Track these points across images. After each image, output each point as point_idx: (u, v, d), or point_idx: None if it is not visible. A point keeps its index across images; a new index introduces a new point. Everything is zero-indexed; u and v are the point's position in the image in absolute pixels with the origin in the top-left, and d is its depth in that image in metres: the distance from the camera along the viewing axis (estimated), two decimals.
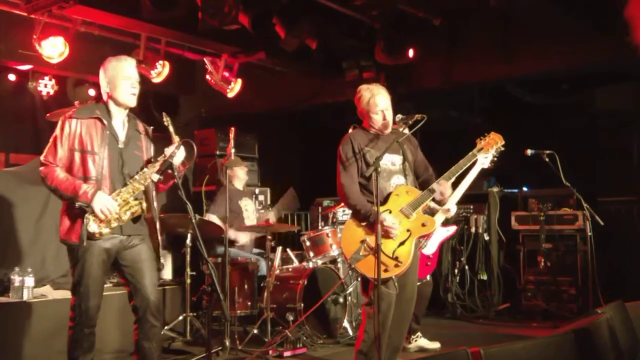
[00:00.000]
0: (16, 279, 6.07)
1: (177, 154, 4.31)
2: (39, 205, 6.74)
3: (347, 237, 4.72)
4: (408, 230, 4.62)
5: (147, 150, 4.50)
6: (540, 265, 8.36)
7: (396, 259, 4.54)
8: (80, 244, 4.15)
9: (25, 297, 6.02)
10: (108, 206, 4.14)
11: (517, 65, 8.02)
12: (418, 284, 6.18)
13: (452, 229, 6.76)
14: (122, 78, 4.35)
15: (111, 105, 4.40)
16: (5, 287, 6.19)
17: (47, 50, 6.92)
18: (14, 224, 6.70)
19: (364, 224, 4.64)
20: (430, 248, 6.40)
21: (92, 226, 4.14)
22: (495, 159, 5.12)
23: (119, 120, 4.41)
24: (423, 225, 4.66)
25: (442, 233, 6.55)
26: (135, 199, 4.29)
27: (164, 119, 4.35)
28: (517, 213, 8.68)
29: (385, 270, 4.48)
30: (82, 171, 4.22)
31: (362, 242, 4.60)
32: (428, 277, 6.55)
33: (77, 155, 4.24)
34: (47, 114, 6.84)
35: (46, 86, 8.20)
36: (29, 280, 6.08)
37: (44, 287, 6.45)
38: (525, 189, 8.92)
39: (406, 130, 4.82)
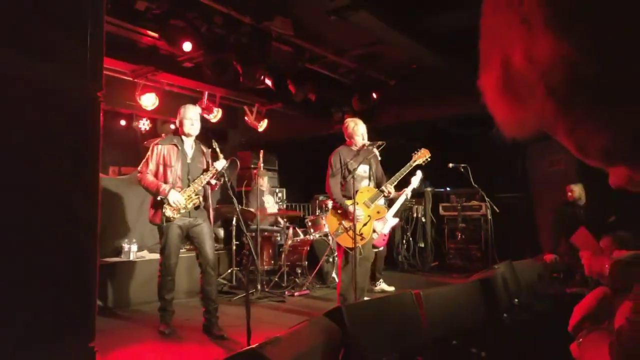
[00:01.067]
0: (125, 246, 6.09)
1: (226, 166, 4.34)
2: (139, 199, 6.72)
3: (330, 220, 4.72)
4: (369, 216, 4.59)
5: (207, 163, 4.50)
6: (458, 238, 8.37)
7: (361, 235, 4.53)
8: (161, 224, 4.19)
9: (131, 258, 6.04)
10: (178, 199, 4.17)
11: (443, 109, 8.02)
12: (380, 249, 6.23)
13: (397, 220, 6.71)
14: (185, 119, 4.38)
15: (182, 135, 4.42)
16: (118, 251, 6.20)
17: (144, 101, 6.93)
18: (124, 211, 6.69)
19: (339, 212, 4.63)
20: (386, 229, 6.36)
21: (168, 212, 4.16)
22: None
23: (189, 145, 4.42)
24: (378, 212, 4.65)
25: (393, 222, 6.52)
26: (196, 195, 4.30)
27: (214, 144, 4.39)
28: (443, 204, 8.69)
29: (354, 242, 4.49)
30: (164, 177, 4.27)
31: (340, 224, 4.60)
32: (384, 247, 6.55)
33: (160, 168, 4.29)
34: (144, 142, 6.84)
35: (143, 124, 8.19)
36: (134, 247, 6.12)
37: (143, 251, 6.44)
38: (448, 188, 8.93)
39: (375, 150, 4.78)
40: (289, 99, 7.64)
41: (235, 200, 4.01)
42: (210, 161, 4.54)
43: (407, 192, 6.51)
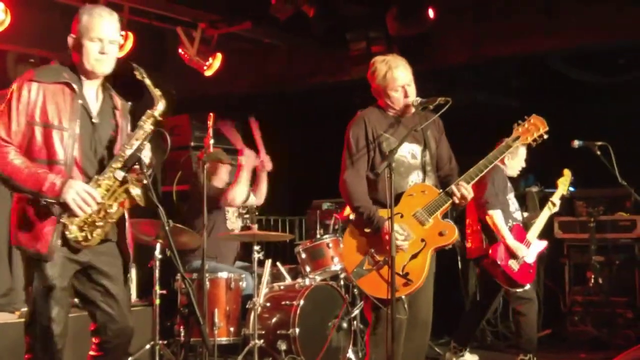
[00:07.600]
0: None
1: (144, 146, 4.10)
2: None
3: (348, 246, 4.78)
4: (423, 240, 4.63)
5: (123, 131, 4.26)
6: (590, 283, 8.38)
7: (406, 275, 4.57)
8: (51, 254, 3.89)
9: None
10: (84, 196, 3.86)
11: (562, 35, 8.03)
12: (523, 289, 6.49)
13: (544, 244, 6.95)
14: (88, 38, 4.03)
15: (79, 72, 4.12)
16: None
17: None
18: None
19: (368, 230, 4.68)
20: (531, 257, 6.66)
21: (74, 230, 3.91)
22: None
23: (92, 89, 4.16)
24: (441, 234, 4.66)
25: (539, 244, 6.80)
26: (119, 193, 4.04)
27: (137, 72, 4.17)
28: (561, 219, 8.71)
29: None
30: (46, 152, 3.94)
31: (366, 254, 4.66)
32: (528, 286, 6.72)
33: (38, 131, 3.94)
34: None
35: None
36: None
37: None
38: (571, 189, 8.90)
39: (433, 116, 4.76)
40: (266, 15, 7.65)
41: (161, 211, 4.01)
42: (127, 126, 4.33)
43: (554, 201, 6.87)
